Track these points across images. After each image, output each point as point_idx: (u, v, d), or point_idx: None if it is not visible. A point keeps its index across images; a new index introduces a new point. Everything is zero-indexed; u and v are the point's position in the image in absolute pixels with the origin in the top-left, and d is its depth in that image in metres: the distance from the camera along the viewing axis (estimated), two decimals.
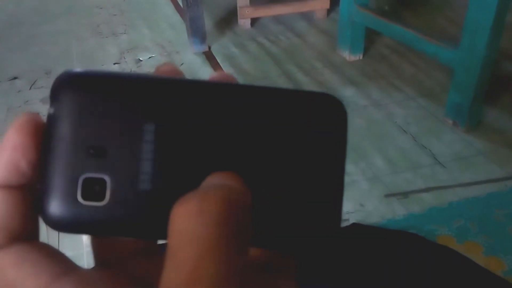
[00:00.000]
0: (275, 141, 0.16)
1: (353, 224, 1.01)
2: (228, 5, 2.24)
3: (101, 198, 0.15)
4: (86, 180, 0.15)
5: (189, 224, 0.13)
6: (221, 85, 0.17)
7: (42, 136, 0.16)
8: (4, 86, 1.71)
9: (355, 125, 1.37)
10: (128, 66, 1.80)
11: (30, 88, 1.69)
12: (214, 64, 1.78)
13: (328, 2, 2.08)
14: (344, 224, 1.02)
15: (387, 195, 1.10)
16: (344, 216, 1.04)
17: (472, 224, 0.98)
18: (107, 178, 0.15)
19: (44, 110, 1.54)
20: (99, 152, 0.15)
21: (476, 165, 1.19)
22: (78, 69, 0.16)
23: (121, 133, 0.15)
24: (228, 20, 2.14)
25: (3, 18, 2.35)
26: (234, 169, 0.16)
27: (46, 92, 1.63)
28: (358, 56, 1.75)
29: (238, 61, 1.80)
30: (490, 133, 1.30)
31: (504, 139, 1.28)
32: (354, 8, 1.61)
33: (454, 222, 0.99)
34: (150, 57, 1.87)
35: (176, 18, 2.24)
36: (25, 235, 0.16)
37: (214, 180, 0.15)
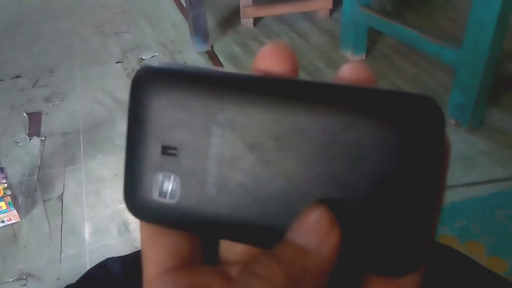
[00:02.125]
0: (355, 156, 0.14)
1: None
2: (231, 5, 2.25)
3: (173, 196, 0.16)
4: (159, 178, 0.16)
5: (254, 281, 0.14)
6: (298, 84, 0.15)
7: (127, 127, 0.16)
8: (7, 85, 1.71)
9: None
10: (130, 65, 1.80)
11: (33, 86, 1.69)
12: (217, 64, 1.78)
13: (331, 2, 2.07)
14: None
15: None
16: None
17: (474, 224, 0.98)
18: (177, 177, 0.16)
19: (47, 108, 1.54)
20: (171, 152, 0.16)
21: (478, 165, 1.19)
22: (157, 64, 0.16)
23: (195, 133, 0.15)
24: (230, 19, 2.14)
25: (7, 17, 2.36)
26: (308, 184, 0.15)
27: (49, 91, 1.64)
28: (361, 56, 1.75)
29: (241, 61, 1.80)
30: (492, 134, 1.30)
31: (506, 139, 1.28)
32: (357, 8, 1.61)
33: (456, 222, 0.99)
34: (152, 56, 1.87)
35: (178, 17, 2.24)
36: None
37: (298, 230, 0.15)
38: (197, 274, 0.16)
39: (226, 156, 0.15)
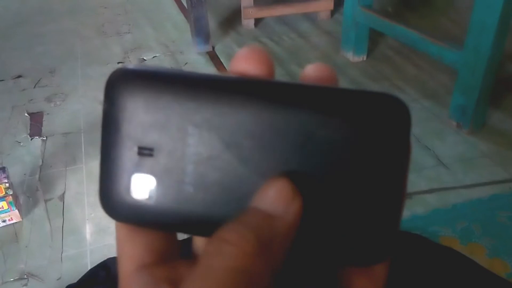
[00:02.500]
0: (327, 154, 0.15)
1: None
2: (232, 5, 2.25)
3: (150, 196, 0.16)
4: (136, 179, 0.16)
5: (217, 251, 0.14)
6: (271, 85, 0.16)
7: (101, 130, 0.16)
8: (8, 85, 1.71)
9: None
10: None
11: (35, 86, 1.69)
12: (218, 64, 1.78)
13: (332, 3, 2.08)
14: None
15: None
16: None
17: (476, 226, 0.98)
18: (154, 177, 0.16)
19: (49, 108, 1.55)
20: (148, 152, 0.16)
21: (479, 167, 1.19)
22: (131, 65, 0.16)
23: (168, 135, 0.16)
24: (232, 20, 2.14)
25: (8, 17, 2.36)
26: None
27: (50, 91, 1.64)
28: (362, 57, 1.75)
29: None
30: (494, 135, 1.30)
31: (507, 141, 1.27)
32: (358, 9, 1.61)
33: (457, 224, 0.99)
34: (154, 57, 1.87)
35: (180, 18, 2.24)
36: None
37: (262, 198, 0.15)
38: (175, 268, 0.17)
39: (203, 155, 0.15)
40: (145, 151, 0.16)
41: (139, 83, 0.16)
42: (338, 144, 0.15)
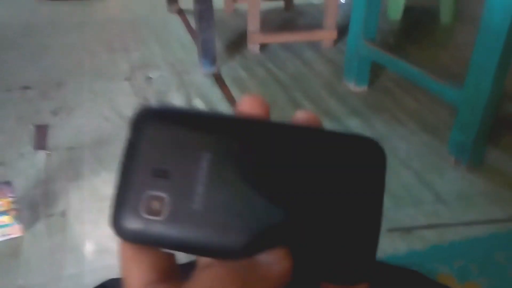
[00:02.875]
0: (317, 184, 0.18)
1: None
2: (239, 29, 2.30)
3: (160, 213, 0.18)
4: (148, 197, 0.18)
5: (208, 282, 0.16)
6: (270, 125, 0.19)
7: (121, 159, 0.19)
8: (15, 95, 1.73)
9: None
10: (138, 83, 1.83)
11: (41, 98, 1.71)
12: (223, 86, 1.81)
13: (336, 33, 2.13)
14: None
15: (390, 230, 1.12)
16: None
17: (473, 265, 0.99)
18: (166, 197, 0.18)
19: (54, 121, 1.56)
20: (162, 174, 0.18)
21: (478, 204, 1.21)
22: (155, 105, 0.20)
23: (182, 160, 0.18)
24: (238, 43, 2.19)
25: (18, 27, 2.39)
26: (276, 203, 0.18)
27: (57, 104, 1.66)
28: (363, 88, 1.79)
29: (246, 85, 1.83)
30: (492, 174, 1.33)
31: (506, 180, 1.30)
32: (362, 42, 1.66)
33: (455, 262, 1.00)
34: (160, 75, 1.90)
35: (187, 38, 2.29)
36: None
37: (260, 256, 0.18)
38: (178, 286, 0.18)
39: (212, 181, 0.18)
40: (160, 174, 0.18)
41: (161, 119, 0.19)
42: (328, 177, 0.18)
